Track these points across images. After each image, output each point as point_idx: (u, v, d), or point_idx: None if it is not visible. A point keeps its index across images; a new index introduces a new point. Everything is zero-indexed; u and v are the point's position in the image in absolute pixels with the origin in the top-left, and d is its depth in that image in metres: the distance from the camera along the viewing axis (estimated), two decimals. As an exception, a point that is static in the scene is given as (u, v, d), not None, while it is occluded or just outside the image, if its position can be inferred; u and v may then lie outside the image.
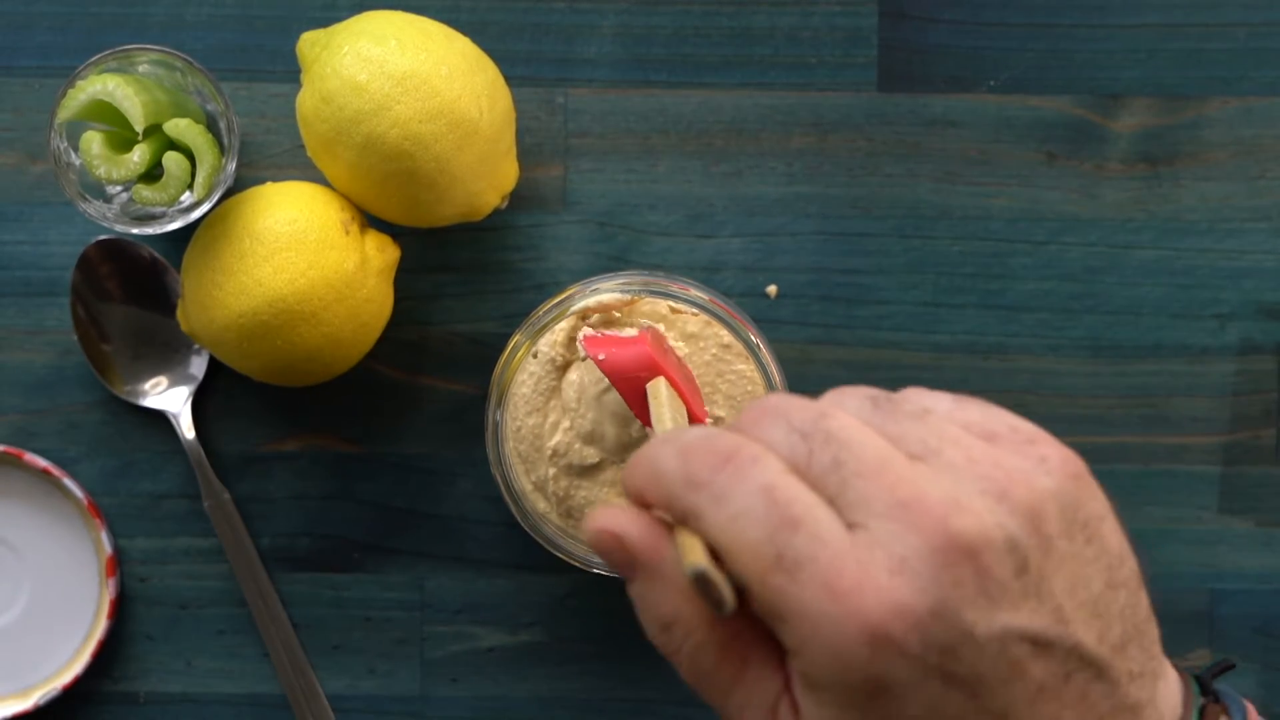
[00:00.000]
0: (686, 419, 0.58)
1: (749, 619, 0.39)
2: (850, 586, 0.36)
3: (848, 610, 0.36)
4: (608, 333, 0.63)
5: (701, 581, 0.37)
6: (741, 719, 0.40)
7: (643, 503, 0.39)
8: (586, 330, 0.64)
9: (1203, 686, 0.43)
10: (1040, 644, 0.37)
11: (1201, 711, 0.42)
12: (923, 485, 0.37)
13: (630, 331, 0.64)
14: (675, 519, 0.39)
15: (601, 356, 0.61)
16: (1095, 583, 0.38)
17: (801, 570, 0.36)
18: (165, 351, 0.71)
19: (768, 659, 0.40)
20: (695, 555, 0.37)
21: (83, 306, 0.71)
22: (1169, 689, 0.41)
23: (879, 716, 0.37)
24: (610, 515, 0.39)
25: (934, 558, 0.36)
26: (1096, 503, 0.39)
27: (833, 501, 0.37)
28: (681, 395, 0.60)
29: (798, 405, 0.39)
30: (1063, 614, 0.37)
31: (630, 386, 0.60)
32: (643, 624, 0.41)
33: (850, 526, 0.37)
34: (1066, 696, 0.38)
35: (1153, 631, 0.40)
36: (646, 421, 0.61)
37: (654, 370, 0.60)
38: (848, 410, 0.40)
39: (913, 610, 0.36)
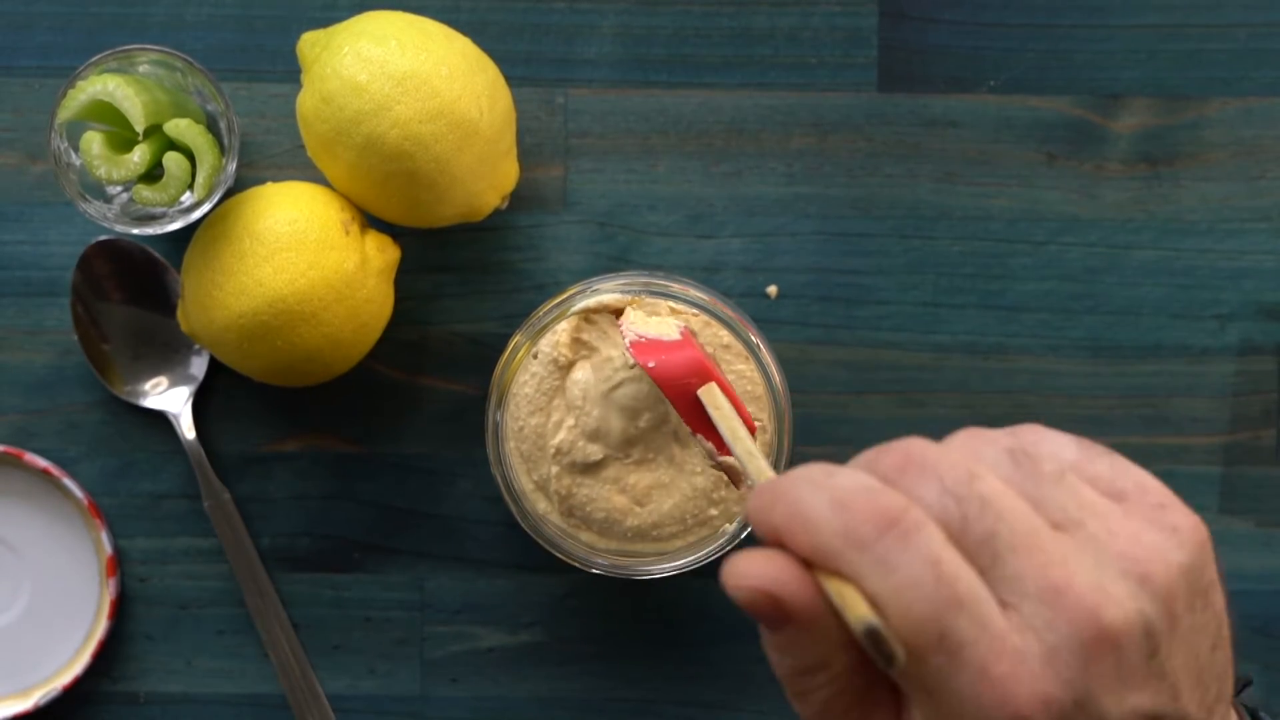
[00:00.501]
0: (743, 426, 0.58)
1: (882, 673, 0.40)
2: (1005, 673, 0.37)
3: (999, 697, 0.37)
4: (649, 335, 0.63)
5: (874, 637, 0.37)
6: None
7: (776, 540, 0.39)
8: (630, 335, 0.63)
9: (1254, 716, 0.45)
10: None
11: None
12: (1072, 567, 0.38)
13: (670, 330, 0.63)
14: (825, 568, 0.38)
15: (652, 364, 0.60)
16: (1204, 649, 0.40)
17: (962, 652, 0.37)
18: (165, 351, 0.71)
19: (891, 712, 0.40)
20: (862, 609, 0.37)
21: (83, 306, 0.71)
22: None
23: None
24: (758, 569, 0.38)
25: (1084, 650, 0.37)
26: (1212, 568, 0.40)
27: (984, 574, 0.38)
28: (732, 400, 0.59)
29: (946, 461, 0.39)
30: (1178, 690, 0.39)
31: (679, 392, 0.60)
32: (777, 664, 0.40)
33: (1002, 605, 0.38)
34: None
35: (1231, 682, 0.42)
36: (697, 428, 0.60)
37: (705, 376, 0.60)
38: (989, 465, 0.40)
39: (1060, 702, 0.37)
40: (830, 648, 0.39)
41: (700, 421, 0.60)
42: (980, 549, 0.38)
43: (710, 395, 0.59)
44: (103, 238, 0.71)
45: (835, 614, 0.38)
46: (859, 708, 0.40)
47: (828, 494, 0.38)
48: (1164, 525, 0.39)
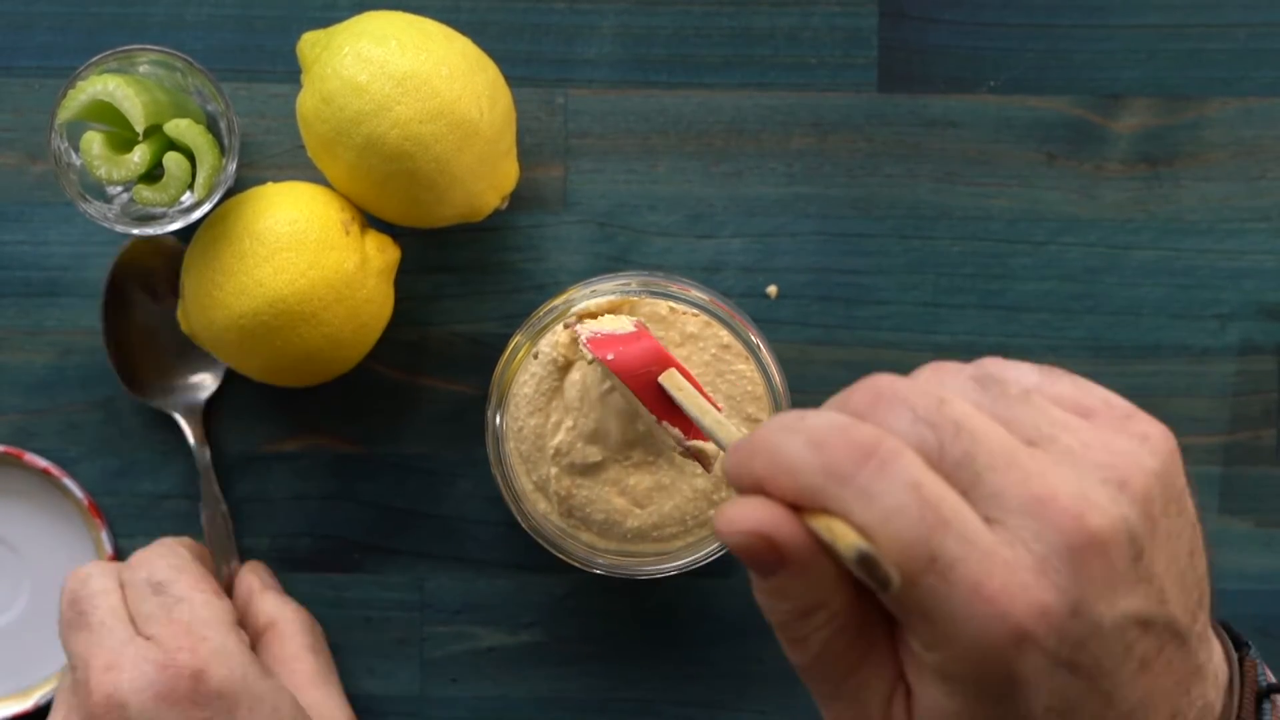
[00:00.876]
0: (709, 406, 0.58)
1: (876, 608, 0.40)
2: (999, 587, 0.37)
3: (995, 612, 0.37)
4: (603, 331, 0.63)
5: (867, 563, 0.37)
6: (856, 701, 0.40)
7: (759, 491, 0.39)
8: (585, 332, 0.63)
9: (1233, 637, 0.45)
10: (1146, 624, 0.39)
11: (1241, 664, 0.44)
12: (1052, 479, 0.38)
13: (625, 324, 0.64)
14: (811, 507, 0.38)
15: (610, 356, 0.61)
16: (1183, 554, 0.40)
17: (953, 571, 0.37)
18: (184, 351, 0.71)
19: (888, 647, 0.40)
20: (852, 538, 0.37)
21: (114, 306, 0.70)
22: (1216, 645, 0.43)
23: (1007, 706, 0.38)
24: (748, 513, 0.39)
25: (1073, 556, 0.37)
26: (1183, 475, 0.41)
27: (965, 495, 0.38)
28: (692, 383, 0.60)
29: (915, 391, 0.39)
30: (1165, 593, 0.39)
31: (642, 383, 0.60)
32: (771, 612, 0.40)
33: (988, 522, 0.38)
34: (1157, 667, 0.39)
35: (1209, 591, 0.42)
36: (662, 415, 0.61)
37: (665, 363, 0.60)
38: (956, 392, 0.40)
39: (1055, 611, 0.37)
40: (825, 588, 0.39)
41: (665, 408, 0.60)
42: (959, 471, 0.38)
43: (671, 379, 0.59)
44: (137, 232, 0.71)
45: (828, 553, 0.39)
46: (856, 647, 0.40)
47: (803, 436, 0.38)
48: (1134, 434, 0.40)
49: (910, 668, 0.40)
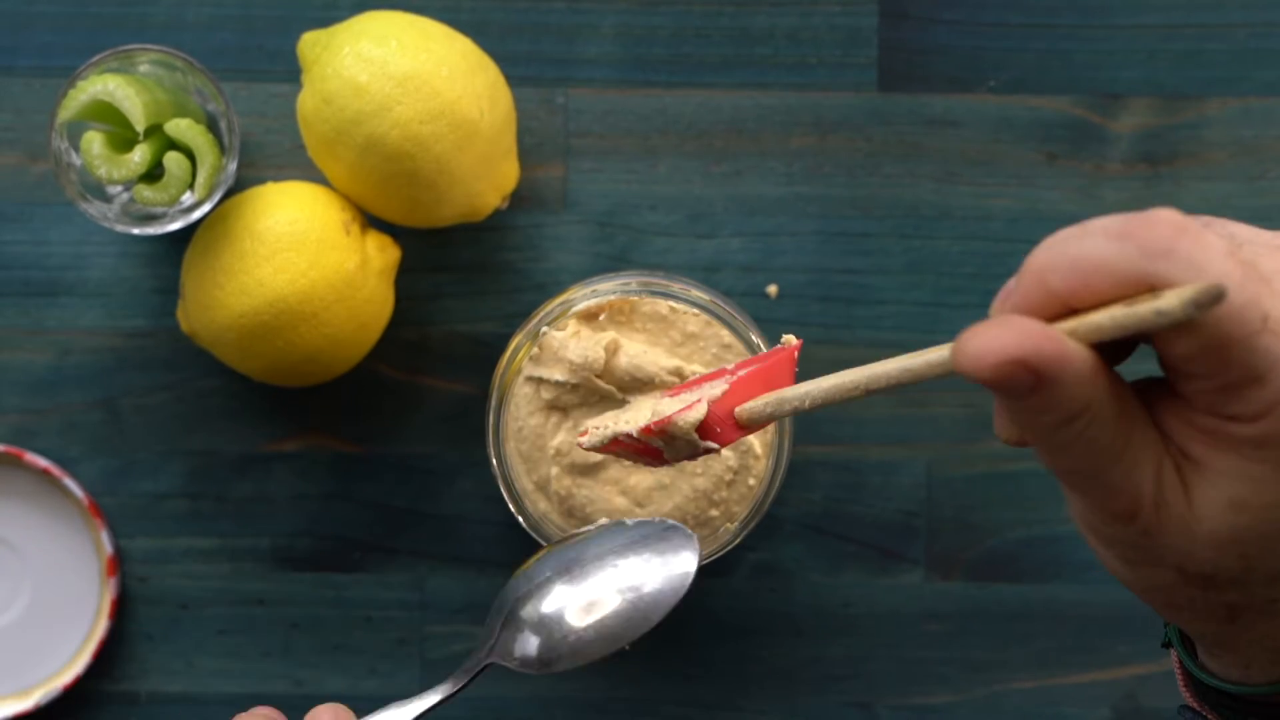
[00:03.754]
0: (791, 389, 0.54)
1: (1131, 394, 0.40)
2: None
3: None
4: (630, 431, 0.57)
5: (1215, 296, 0.37)
6: (1127, 484, 0.40)
7: (1057, 307, 0.39)
8: (620, 435, 0.56)
9: None
10: None
11: None
12: None
13: (638, 417, 0.58)
14: (1136, 288, 0.38)
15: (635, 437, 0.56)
16: None
17: None
18: None
19: (1146, 424, 0.41)
20: (1187, 292, 0.37)
21: None
22: None
23: None
24: (1003, 340, 0.38)
25: None
26: None
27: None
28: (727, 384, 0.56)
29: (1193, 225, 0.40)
30: None
31: (641, 449, 0.56)
32: (1032, 426, 0.40)
33: None
34: None
35: None
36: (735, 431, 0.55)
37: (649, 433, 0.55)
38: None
39: None
40: (1088, 389, 0.39)
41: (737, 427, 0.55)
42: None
43: (744, 411, 0.54)
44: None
45: (1089, 351, 0.38)
46: (1120, 433, 0.40)
47: (1099, 235, 0.39)
48: None
49: (1201, 444, 0.40)
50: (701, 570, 0.67)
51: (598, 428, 0.57)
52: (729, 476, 0.66)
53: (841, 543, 0.72)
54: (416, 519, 0.72)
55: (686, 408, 0.54)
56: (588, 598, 0.58)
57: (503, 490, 0.66)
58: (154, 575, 0.72)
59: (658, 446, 0.55)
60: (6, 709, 0.71)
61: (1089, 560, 0.72)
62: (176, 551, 0.72)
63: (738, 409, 0.53)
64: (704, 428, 0.54)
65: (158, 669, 0.72)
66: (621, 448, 0.56)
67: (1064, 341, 0.38)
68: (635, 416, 0.58)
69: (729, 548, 0.66)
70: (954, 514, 0.72)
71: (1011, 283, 0.41)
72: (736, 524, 0.66)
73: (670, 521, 0.60)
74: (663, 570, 0.58)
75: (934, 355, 0.45)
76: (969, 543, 0.72)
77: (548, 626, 0.58)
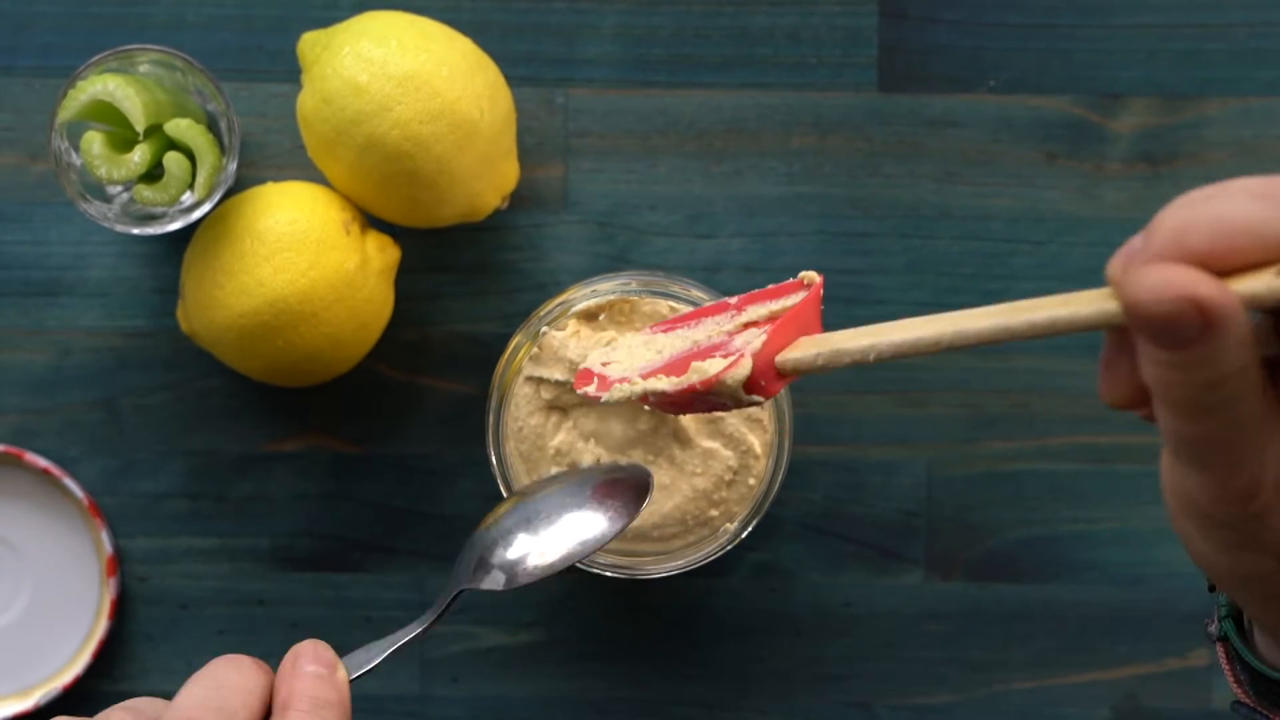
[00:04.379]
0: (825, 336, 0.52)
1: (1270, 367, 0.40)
2: None
3: None
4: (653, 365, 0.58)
5: None
6: (1257, 458, 0.39)
7: (1187, 263, 0.38)
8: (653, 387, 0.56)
9: None
10: None
11: None
12: None
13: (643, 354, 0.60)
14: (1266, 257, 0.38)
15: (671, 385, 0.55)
16: None
17: None
18: None
19: (1277, 405, 0.40)
20: None
21: None
22: None
23: None
24: (1181, 277, 0.37)
25: None
26: None
27: None
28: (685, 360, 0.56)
29: None
30: None
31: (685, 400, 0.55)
32: (1180, 384, 0.39)
33: None
34: None
35: None
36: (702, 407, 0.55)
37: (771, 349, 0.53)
38: None
39: None
40: (1249, 350, 0.38)
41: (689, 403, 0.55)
42: None
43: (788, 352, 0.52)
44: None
45: (1243, 314, 0.37)
46: (1261, 408, 0.39)
47: (1240, 195, 0.38)
48: None
49: None
50: (702, 570, 0.67)
51: (616, 382, 0.57)
52: (729, 476, 0.66)
53: (841, 543, 0.72)
54: (416, 519, 0.72)
55: (731, 364, 0.52)
56: (547, 538, 0.59)
57: (503, 490, 0.66)
58: (154, 575, 0.72)
59: (691, 399, 0.54)
60: (6, 709, 0.71)
61: (1089, 560, 0.72)
62: (176, 551, 0.72)
63: (779, 358, 0.52)
64: (749, 382, 0.52)
65: (158, 669, 0.72)
66: (644, 401, 0.56)
67: (1235, 294, 0.37)
68: (632, 361, 0.58)
69: (729, 548, 0.66)
70: (954, 514, 0.72)
71: (1137, 241, 0.39)
72: (736, 524, 0.66)
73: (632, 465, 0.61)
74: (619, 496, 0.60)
75: (1040, 314, 0.43)
76: (969, 543, 0.72)
77: (512, 564, 0.58)
